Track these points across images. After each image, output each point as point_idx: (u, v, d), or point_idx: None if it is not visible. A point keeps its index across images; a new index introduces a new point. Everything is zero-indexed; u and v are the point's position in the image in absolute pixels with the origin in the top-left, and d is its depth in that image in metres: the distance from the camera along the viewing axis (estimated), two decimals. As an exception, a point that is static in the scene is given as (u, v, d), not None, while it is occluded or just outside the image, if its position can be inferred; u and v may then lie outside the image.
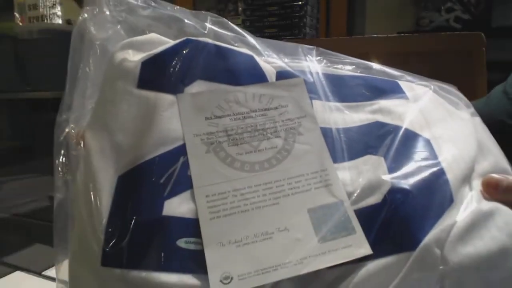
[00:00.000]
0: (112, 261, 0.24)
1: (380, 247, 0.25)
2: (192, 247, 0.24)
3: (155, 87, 0.28)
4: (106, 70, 0.30)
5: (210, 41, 0.31)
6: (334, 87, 0.33)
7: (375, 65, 0.36)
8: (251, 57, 0.32)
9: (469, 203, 0.26)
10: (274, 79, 0.31)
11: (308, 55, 0.34)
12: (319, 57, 0.35)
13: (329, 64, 0.35)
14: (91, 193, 0.26)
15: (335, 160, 0.28)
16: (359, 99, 0.33)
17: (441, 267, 0.23)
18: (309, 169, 0.28)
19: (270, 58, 0.33)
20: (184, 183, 0.26)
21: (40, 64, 0.95)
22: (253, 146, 0.28)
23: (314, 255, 0.25)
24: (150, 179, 0.26)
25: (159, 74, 0.29)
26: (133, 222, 0.24)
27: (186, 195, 0.25)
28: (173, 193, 0.25)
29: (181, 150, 0.27)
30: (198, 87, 0.29)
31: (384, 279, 0.24)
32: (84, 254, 0.26)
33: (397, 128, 0.30)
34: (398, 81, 0.35)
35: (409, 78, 0.36)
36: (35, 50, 0.97)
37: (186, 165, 0.26)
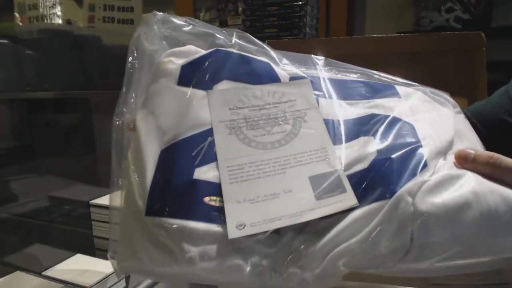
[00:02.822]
0: (154, 212, 0.31)
1: (364, 200, 0.31)
2: (215, 203, 0.31)
3: (191, 84, 0.36)
4: (154, 72, 0.38)
5: (235, 51, 0.39)
6: (338, 88, 0.39)
7: (376, 73, 0.42)
8: (268, 64, 0.39)
9: (441, 169, 0.32)
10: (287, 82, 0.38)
11: (318, 64, 0.41)
12: (327, 67, 0.41)
13: (336, 72, 0.41)
14: (140, 163, 0.33)
15: (334, 143, 0.35)
16: (358, 98, 0.39)
17: (411, 211, 0.29)
18: (311, 147, 0.34)
19: (285, 66, 0.40)
20: (210, 157, 0.33)
21: (40, 64, 0.95)
22: (266, 130, 0.35)
23: (311, 209, 0.31)
24: (185, 152, 0.33)
25: (194, 74, 0.37)
26: (170, 183, 0.31)
27: (212, 165, 0.33)
28: (202, 163, 0.32)
29: (209, 132, 0.34)
30: (224, 85, 0.37)
31: (366, 222, 0.30)
32: (133, 209, 0.32)
33: (387, 116, 0.36)
34: (394, 85, 0.41)
35: (404, 82, 0.42)
36: (35, 50, 0.97)
37: (212, 144, 0.33)
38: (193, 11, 1.93)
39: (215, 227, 0.30)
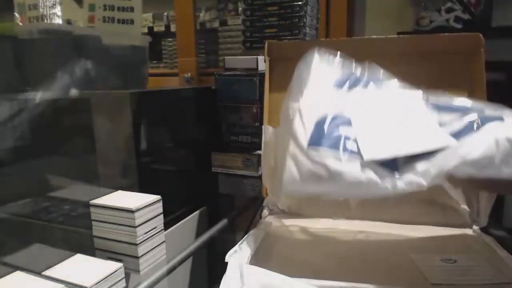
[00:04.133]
0: (313, 145, 0.49)
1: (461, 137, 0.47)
2: (354, 145, 0.48)
3: (341, 87, 0.56)
4: (318, 76, 0.58)
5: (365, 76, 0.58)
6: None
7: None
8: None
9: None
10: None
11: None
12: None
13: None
14: (301, 126, 0.52)
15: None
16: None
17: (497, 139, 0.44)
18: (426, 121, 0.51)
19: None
20: (348, 123, 0.51)
21: (40, 64, 0.96)
22: (387, 115, 0.53)
23: (425, 143, 0.47)
24: (334, 124, 0.51)
25: (345, 83, 0.57)
26: (323, 134, 0.50)
27: (350, 127, 0.51)
28: (342, 125, 0.51)
29: (349, 118, 0.52)
30: (358, 91, 0.56)
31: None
32: (298, 146, 0.51)
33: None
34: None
35: None
36: (35, 50, 0.97)
37: (350, 121, 0.51)
38: (193, 11, 1.93)
39: (354, 156, 0.46)
